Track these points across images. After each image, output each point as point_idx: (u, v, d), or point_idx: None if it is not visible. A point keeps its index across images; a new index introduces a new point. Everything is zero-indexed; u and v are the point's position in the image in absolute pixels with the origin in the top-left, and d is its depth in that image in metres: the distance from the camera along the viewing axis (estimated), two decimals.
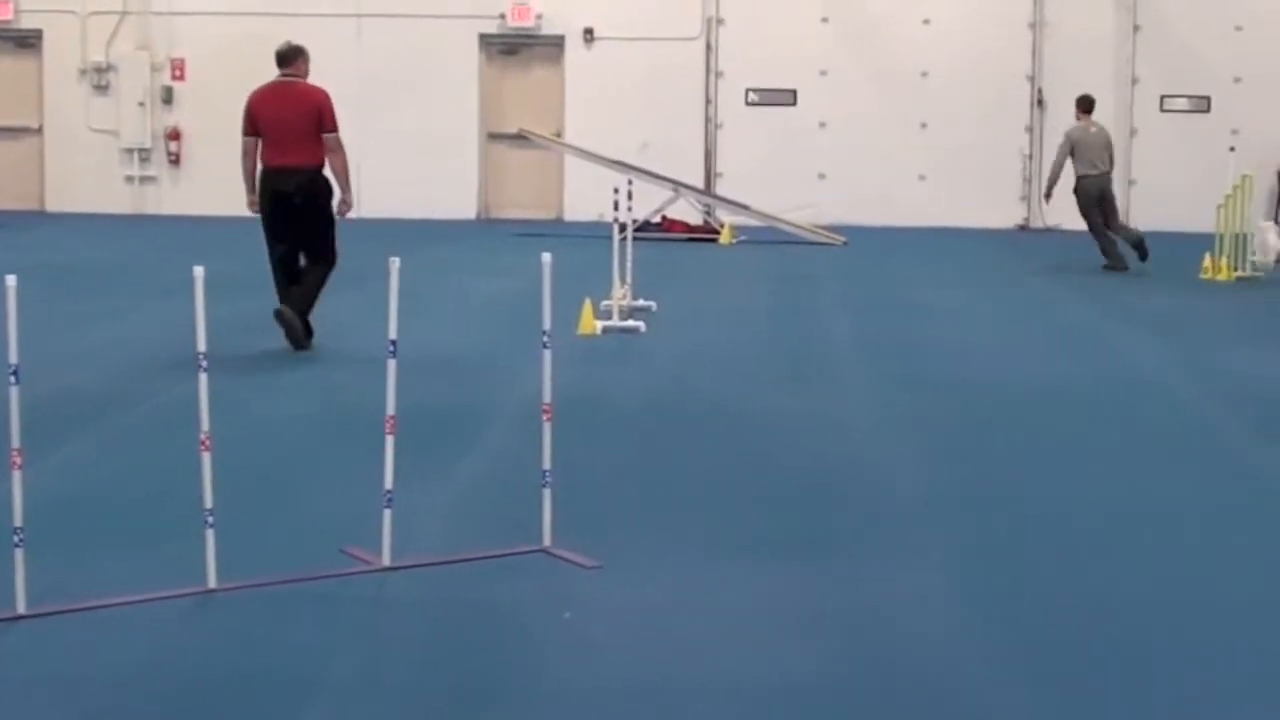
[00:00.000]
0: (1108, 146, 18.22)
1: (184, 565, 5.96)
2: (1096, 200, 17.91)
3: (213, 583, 5.82)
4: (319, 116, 11.53)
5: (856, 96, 23.68)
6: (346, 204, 11.68)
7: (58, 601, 5.64)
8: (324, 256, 11.59)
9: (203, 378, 5.74)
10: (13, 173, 24.49)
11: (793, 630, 5.61)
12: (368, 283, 12.40)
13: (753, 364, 11.41)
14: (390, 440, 6.08)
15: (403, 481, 6.21)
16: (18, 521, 5.50)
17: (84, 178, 24.39)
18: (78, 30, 24.45)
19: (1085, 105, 18.46)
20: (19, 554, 5.51)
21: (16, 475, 5.52)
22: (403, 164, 20.93)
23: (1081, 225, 18.48)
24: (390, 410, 6.06)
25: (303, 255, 11.57)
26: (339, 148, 11.57)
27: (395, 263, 5.93)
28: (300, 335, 11.34)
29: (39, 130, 24.84)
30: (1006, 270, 18.27)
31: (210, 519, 5.79)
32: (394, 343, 6.03)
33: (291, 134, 11.45)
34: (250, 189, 11.60)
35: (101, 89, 24.51)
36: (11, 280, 5.40)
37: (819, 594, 6.00)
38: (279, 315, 11.30)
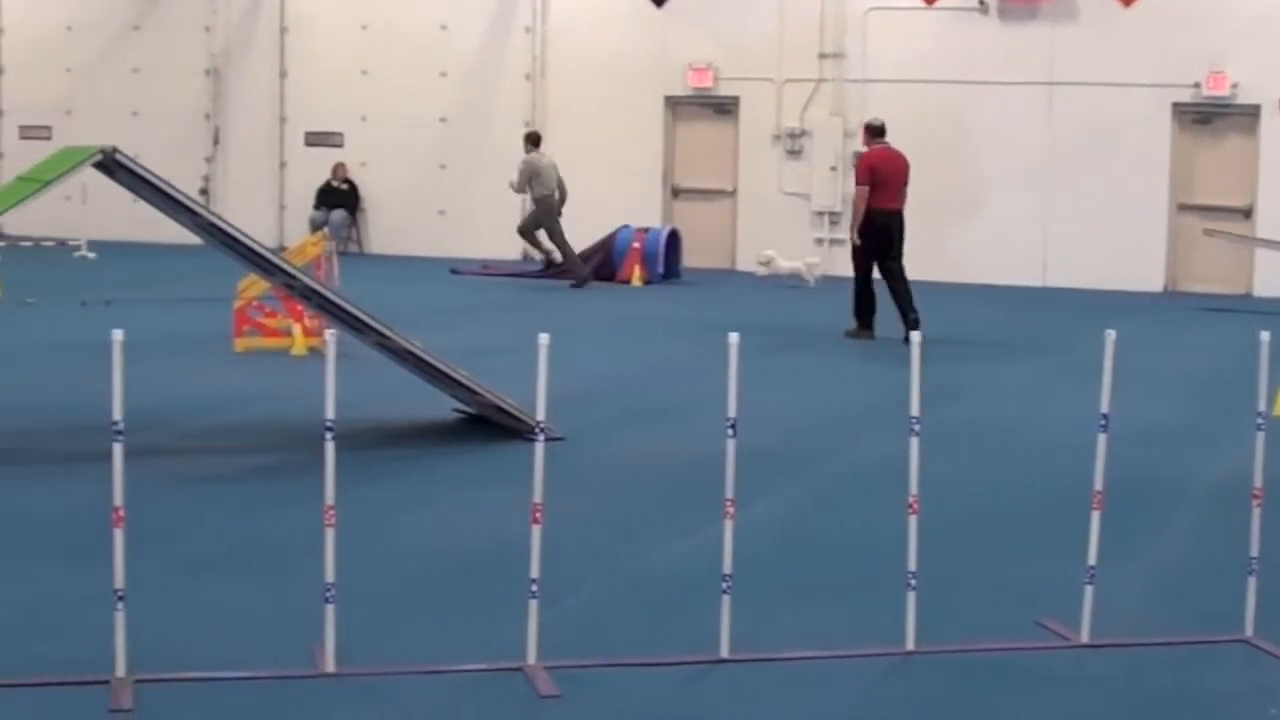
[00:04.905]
0: (556, 173, 22.37)
1: (881, 623, 6.06)
2: (555, 216, 22.28)
3: (911, 645, 5.88)
4: (909, 173, 16.56)
5: None
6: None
7: (756, 649, 5.81)
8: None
9: (914, 442, 5.82)
10: (708, 233, 25.62)
11: None
12: (1043, 354, 12.32)
13: None
14: (1096, 515, 5.99)
15: (1099, 554, 6.10)
16: (726, 569, 5.72)
17: (774, 239, 25.21)
18: (773, 97, 25.37)
19: (533, 139, 22.61)
20: (725, 600, 5.73)
21: (728, 525, 5.74)
22: (1089, 232, 20.53)
23: None
24: (1098, 485, 5.96)
25: (884, 268, 16.43)
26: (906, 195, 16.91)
27: (1111, 335, 5.83)
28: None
29: (733, 193, 25.91)
30: None
31: (913, 581, 5.86)
32: (1105, 417, 5.93)
33: (899, 185, 16.47)
34: (858, 223, 16.45)
35: (794, 154, 25.32)
36: (734, 338, 5.64)
37: None
38: (913, 323, 15.59)
